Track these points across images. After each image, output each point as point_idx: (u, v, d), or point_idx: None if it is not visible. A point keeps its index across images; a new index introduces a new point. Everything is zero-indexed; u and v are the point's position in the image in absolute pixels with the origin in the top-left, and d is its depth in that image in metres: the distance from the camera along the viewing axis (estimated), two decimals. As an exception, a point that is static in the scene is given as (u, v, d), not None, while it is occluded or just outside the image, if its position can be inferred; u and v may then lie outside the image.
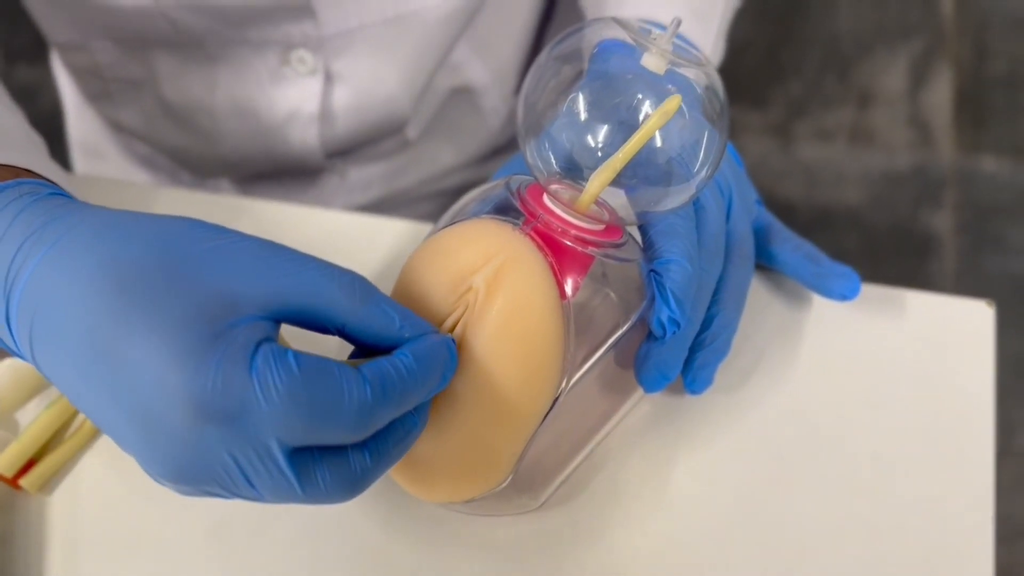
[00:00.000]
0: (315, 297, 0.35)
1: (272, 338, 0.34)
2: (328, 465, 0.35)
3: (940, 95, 1.52)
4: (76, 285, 0.34)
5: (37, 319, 0.35)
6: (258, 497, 0.35)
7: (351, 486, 0.35)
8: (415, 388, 0.36)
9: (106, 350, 0.33)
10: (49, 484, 0.48)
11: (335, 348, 0.40)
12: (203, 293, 0.34)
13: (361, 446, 0.35)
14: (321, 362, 0.34)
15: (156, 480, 0.35)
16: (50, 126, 0.66)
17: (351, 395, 0.34)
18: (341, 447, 0.35)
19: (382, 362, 0.35)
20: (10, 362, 0.49)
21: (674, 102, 0.40)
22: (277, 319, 0.35)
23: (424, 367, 0.36)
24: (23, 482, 0.47)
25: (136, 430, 0.33)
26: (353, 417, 0.34)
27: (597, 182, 0.41)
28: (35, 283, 0.35)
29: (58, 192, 0.39)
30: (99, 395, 0.34)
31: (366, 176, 0.71)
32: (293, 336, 0.39)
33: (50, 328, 0.34)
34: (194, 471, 0.34)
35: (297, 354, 0.34)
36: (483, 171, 0.75)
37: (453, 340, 0.38)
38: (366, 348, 0.38)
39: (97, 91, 0.67)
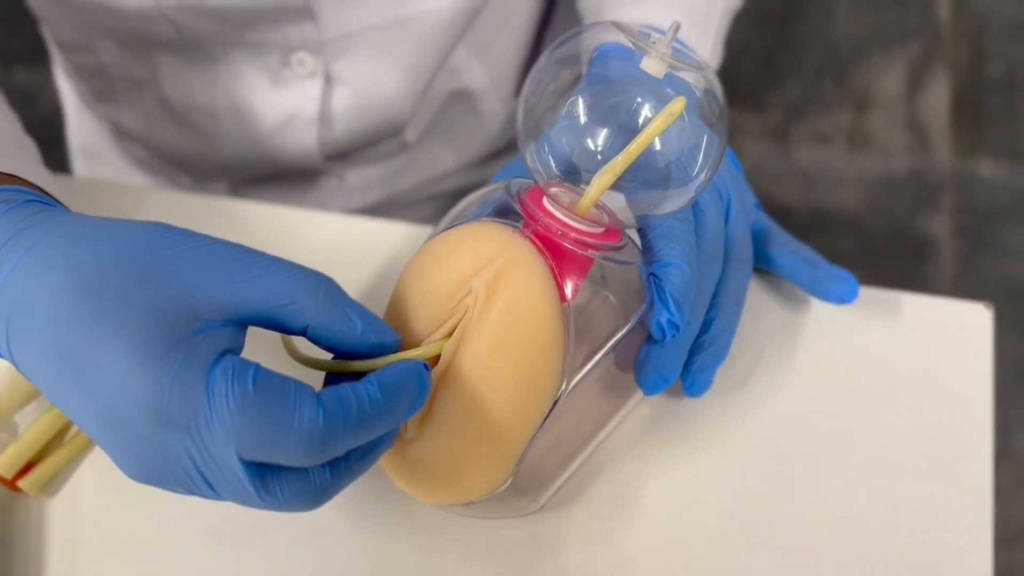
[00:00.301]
0: (277, 300, 0.36)
1: (237, 347, 0.35)
2: (287, 478, 0.35)
3: (937, 99, 1.52)
4: (47, 291, 0.35)
5: (12, 322, 0.36)
6: (222, 499, 0.35)
7: (310, 499, 0.36)
8: (378, 419, 0.36)
9: (75, 354, 0.34)
10: (48, 486, 0.48)
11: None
12: (167, 299, 0.34)
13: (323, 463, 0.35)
14: (280, 383, 0.34)
15: (128, 478, 0.36)
16: (49, 130, 0.67)
17: (301, 421, 0.34)
18: None
19: (345, 389, 0.35)
20: (8, 364, 0.49)
21: (678, 104, 0.40)
22: (242, 323, 0.36)
23: (390, 398, 0.36)
24: (22, 484, 0.47)
25: (105, 431, 0.35)
26: (304, 442, 0.34)
27: (599, 184, 0.41)
28: (9, 288, 0.36)
29: (36, 199, 0.40)
30: (72, 396, 0.35)
31: (365, 178, 0.71)
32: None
33: (24, 331, 0.36)
34: (158, 472, 0.35)
35: (259, 372, 0.34)
36: (482, 174, 0.75)
37: (427, 366, 0.38)
38: (331, 351, 0.38)
39: (101, 90, 0.67)
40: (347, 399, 0.35)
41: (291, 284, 0.36)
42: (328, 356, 0.39)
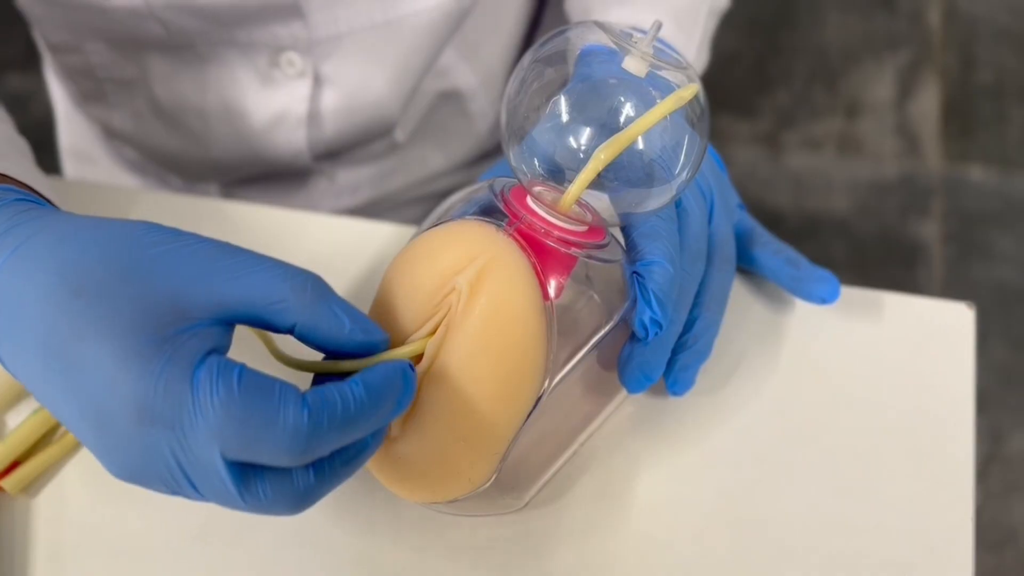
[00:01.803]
0: (264, 299, 0.36)
1: (223, 346, 0.35)
2: (270, 480, 0.35)
3: (927, 105, 1.53)
4: (34, 290, 0.35)
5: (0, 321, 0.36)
6: (205, 500, 0.35)
7: (295, 502, 0.35)
8: (362, 418, 0.35)
9: (62, 352, 0.34)
10: (31, 487, 0.48)
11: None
12: (154, 297, 0.35)
13: (307, 464, 0.35)
14: (265, 383, 0.34)
15: (113, 476, 0.36)
16: (41, 134, 0.67)
17: (286, 421, 0.34)
18: None
19: (330, 388, 0.35)
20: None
21: (690, 90, 0.40)
22: (228, 322, 0.36)
23: (375, 397, 0.36)
24: (4, 483, 0.47)
25: (90, 429, 0.35)
26: (287, 442, 0.34)
27: (599, 161, 0.40)
28: None
29: (25, 198, 0.40)
30: (57, 395, 0.35)
31: (354, 179, 0.71)
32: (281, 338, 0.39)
33: (11, 330, 0.36)
34: (141, 471, 0.35)
35: (244, 371, 0.34)
36: (471, 175, 0.76)
37: (412, 366, 0.38)
38: (318, 350, 0.38)
39: (90, 92, 0.67)
40: (332, 399, 0.35)
41: (279, 283, 0.36)
42: (313, 356, 0.39)
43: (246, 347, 0.39)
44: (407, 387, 0.37)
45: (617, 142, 0.40)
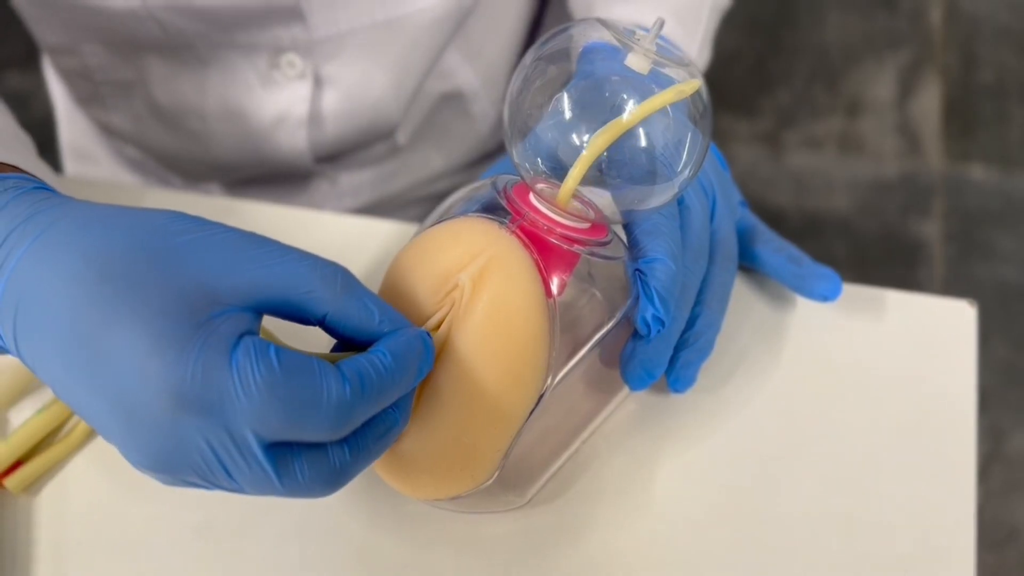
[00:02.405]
0: (296, 288, 0.35)
1: (254, 331, 0.35)
2: (307, 459, 0.35)
3: (928, 104, 1.53)
4: (59, 277, 0.34)
5: (20, 311, 0.35)
6: (238, 488, 0.35)
7: (331, 481, 0.35)
8: (393, 384, 0.36)
9: (88, 340, 0.34)
10: (34, 486, 0.48)
11: (325, 343, 0.40)
12: (185, 284, 0.34)
13: (341, 441, 0.35)
14: (302, 359, 0.34)
15: (138, 469, 0.35)
16: (41, 133, 0.67)
17: (330, 393, 0.34)
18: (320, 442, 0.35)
19: (360, 359, 0.35)
20: (0, 360, 0.49)
21: (691, 85, 0.40)
22: (259, 310, 0.35)
23: (401, 364, 0.36)
24: (7, 482, 0.47)
25: (117, 419, 0.34)
26: (332, 415, 0.34)
27: (602, 139, 0.40)
28: (18, 276, 0.35)
29: (42, 187, 0.40)
30: (82, 385, 0.34)
31: (356, 182, 0.71)
32: (278, 328, 0.39)
33: (33, 320, 0.35)
34: (173, 460, 0.34)
35: (279, 349, 0.34)
36: (473, 176, 0.76)
37: (429, 334, 0.38)
38: (345, 341, 0.38)
39: (87, 94, 0.67)
40: (365, 368, 0.35)
41: (309, 272, 0.36)
42: (312, 349, 0.39)
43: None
44: (428, 353, 0.38)
45: (615, 126, 0.40)
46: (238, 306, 0.35)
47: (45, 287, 0.35)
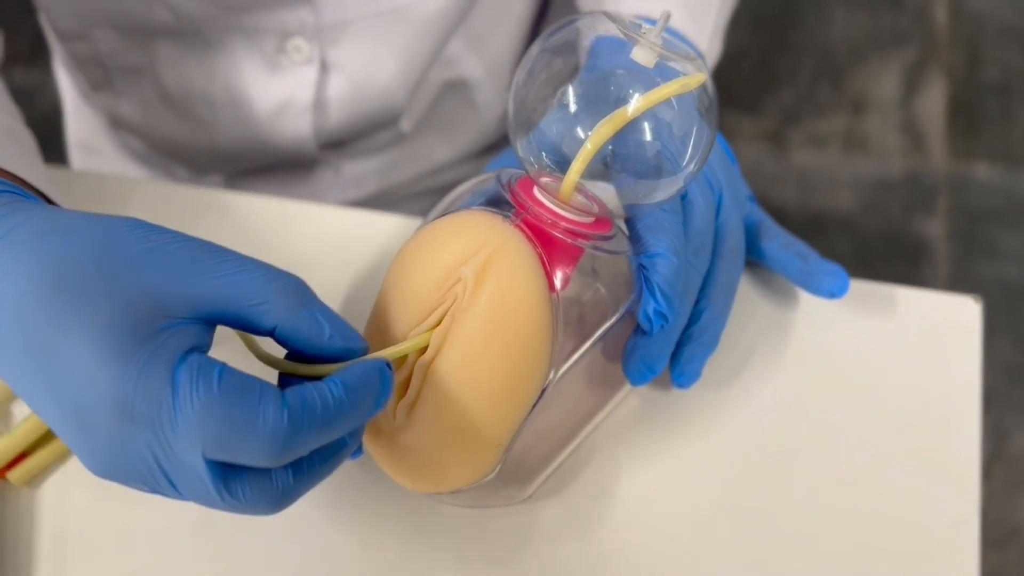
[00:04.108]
0: (247, 299, 0.35)
1: (204, 344, 0.35)
2: (250, 480, 0.34)
3: (933, 102, 1.52)
4: (14, 285, 0.35)
5: None
6: (185, 499, 0.35)
7: (274, 502, 0.35)
8: (341, 418, 0.35)
9: (42, 349, 0.34)
10: (36, 480, 0.48)
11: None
12: (135, 295, 0.34)
13: (286, 465, 0.35)
14: (246, 382, 0.34)
15: (93, 474, 0.35)
16: (47, 127, 0.67)
17: (266, 419, 0.33)
18: None
19: (309, 389, 0.35)
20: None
21: (696, 78, 0.40)
22: (210, 321, 0.35)
23: (353, 396, 0.35)
24: (10, 476, 0.47)
25: (70, 426, 0.34)
26: (267, 442, 0.33)
27: (605, 129, 0.40)
28: None
29: (10, 190, 0.40)
30: (37, 390, 0.35)
31: (360, 171, 0.71)
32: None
33: None
34: (121, 469, 0.34)
35: (224, 371, 0.34)
36: (477, 168, 0.75)
37: (389, 365, 0.37)
38: (297, 353, 0.37)
39: (98, 81, 0.67)
40: (311, 398, 0.34)
41: (261, 284, 0.36)
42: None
43: (228, 347, 0.38)
44: (384, 386, 0.37)
45: (618, 118, 0.40)
46: (188, 318, 0.35)
47: (1, 295, 0.35)
